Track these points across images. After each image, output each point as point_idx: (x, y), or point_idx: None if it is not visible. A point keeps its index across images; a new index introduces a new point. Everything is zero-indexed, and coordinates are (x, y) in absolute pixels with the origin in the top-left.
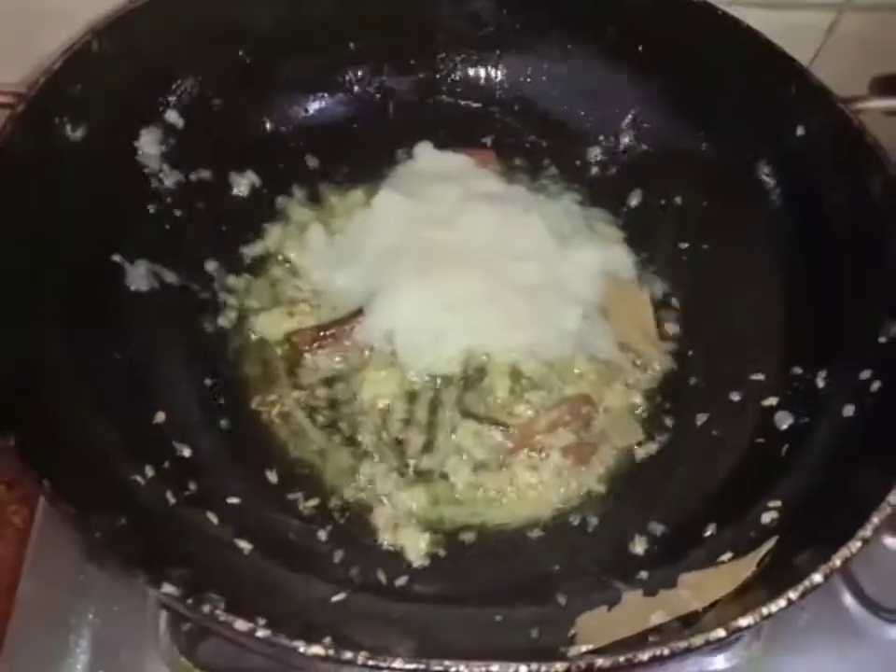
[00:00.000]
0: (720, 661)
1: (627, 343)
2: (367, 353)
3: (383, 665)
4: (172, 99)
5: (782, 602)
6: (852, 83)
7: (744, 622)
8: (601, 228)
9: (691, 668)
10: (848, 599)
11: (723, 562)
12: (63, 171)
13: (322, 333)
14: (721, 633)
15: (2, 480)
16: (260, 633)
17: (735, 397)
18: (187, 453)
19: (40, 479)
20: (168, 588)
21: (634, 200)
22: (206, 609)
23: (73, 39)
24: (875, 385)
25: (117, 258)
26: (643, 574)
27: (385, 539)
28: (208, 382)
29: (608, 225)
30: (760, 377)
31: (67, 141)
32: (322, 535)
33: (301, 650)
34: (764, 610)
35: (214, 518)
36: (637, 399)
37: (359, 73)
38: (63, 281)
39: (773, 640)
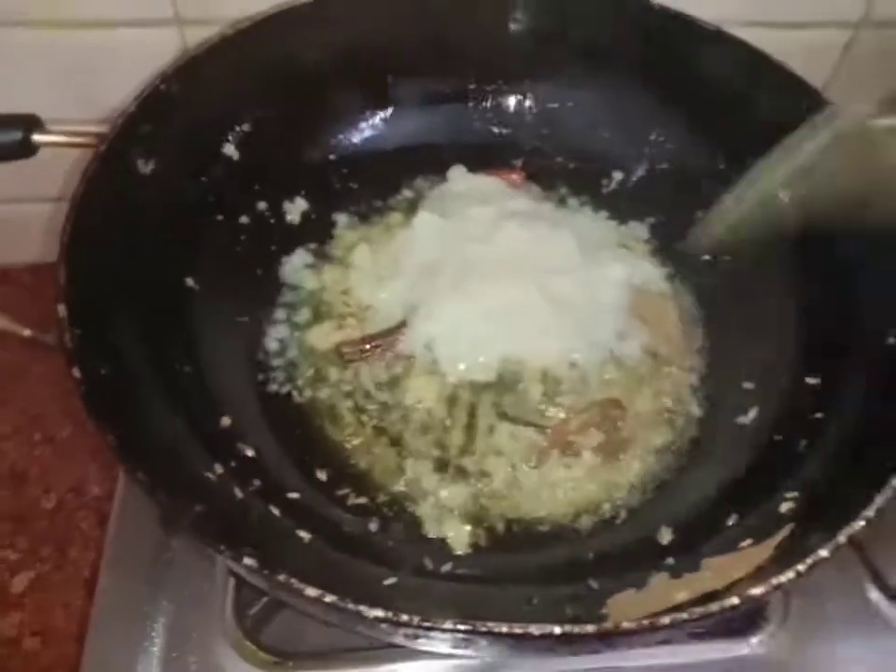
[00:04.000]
0: (746, 647)
1: (655, 351)
2: (410, 361)
3: (436, 626)
4: (231, 134)
5: (791, 574)
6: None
7: (756, 591)
8: (628, 242)
9: (720, 654)
10: (874, 593)
11: (744, 547)
12: (137, 201)
13: (369, 344)
14: (735, 600)
15: (71, 487)
16: (328, 598)
17: (757, 398)
18: (250, 453)
19: (135, 471)
20: (248, 561)
21: (657, 216)
22: (282, 577)
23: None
24: (881, 384)
25: (189, 281)
26: (669, 560)
27: (431, 531)
28: (269, 390)
29: (633, 240)
30: (780, 379)
31: (139, 174)
32: (373, 526)
33: (364, 613)
34: (774, 581)
35: (276, 511)
36: (666, 403)
37: (398, 105)
38: (141, 301)
39: (801, 630)
